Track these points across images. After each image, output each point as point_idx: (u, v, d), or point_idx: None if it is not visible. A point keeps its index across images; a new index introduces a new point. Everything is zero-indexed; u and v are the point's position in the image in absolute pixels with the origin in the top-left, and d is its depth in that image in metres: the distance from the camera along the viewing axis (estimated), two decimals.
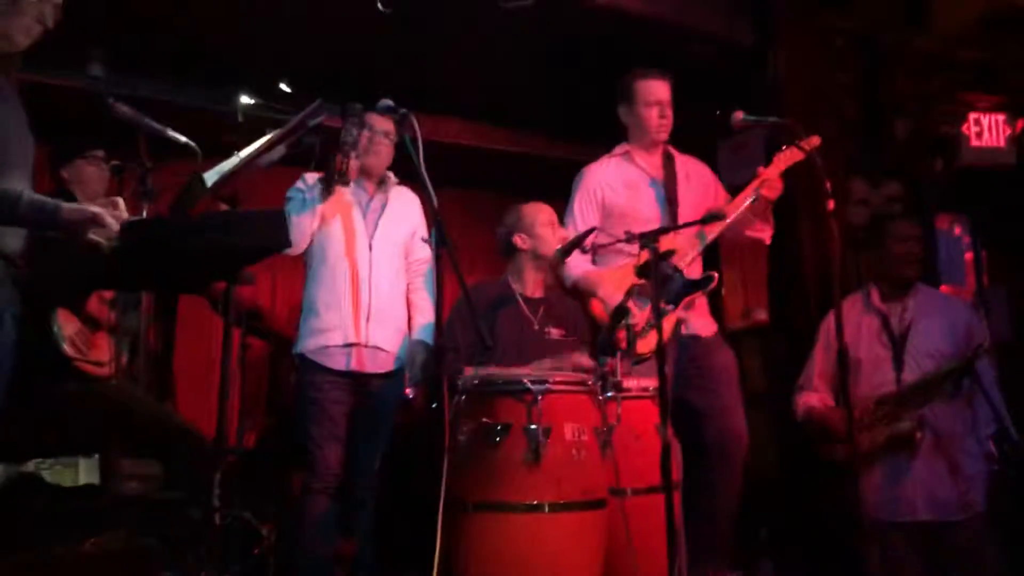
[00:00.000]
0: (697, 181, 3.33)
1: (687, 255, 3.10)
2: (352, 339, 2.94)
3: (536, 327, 3.18)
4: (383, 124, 3.12)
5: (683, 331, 3.09)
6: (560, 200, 3.34)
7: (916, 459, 3.05)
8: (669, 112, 3.22)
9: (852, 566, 2.91)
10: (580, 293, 3.12)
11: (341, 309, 2.95)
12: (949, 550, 3.05)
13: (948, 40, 4.23)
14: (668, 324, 2.97)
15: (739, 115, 2.99)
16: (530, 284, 3.25)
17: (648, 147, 3.30)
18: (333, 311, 2.96)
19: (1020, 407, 3.20)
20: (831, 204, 2.83)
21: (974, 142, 4.25)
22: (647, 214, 3.15)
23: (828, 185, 2.83)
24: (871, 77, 4.35)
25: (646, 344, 2.93)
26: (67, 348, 2.71)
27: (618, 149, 3.36)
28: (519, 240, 3.26)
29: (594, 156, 3.36)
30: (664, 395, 2.36)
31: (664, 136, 3.24)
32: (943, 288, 4.33)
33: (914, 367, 3.14)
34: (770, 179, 3.07)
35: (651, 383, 2.64)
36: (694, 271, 3.14)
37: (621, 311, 2.68)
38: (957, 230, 4.68)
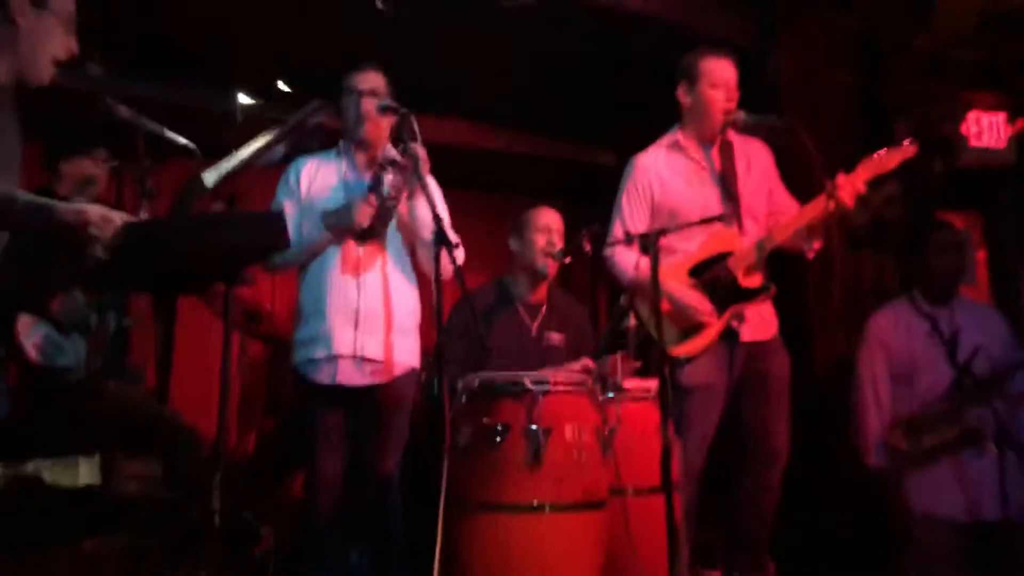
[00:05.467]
0: (758, 171, 3.10)
1: (745, 260, 2.92)
2: (335, 351, 2.71)
3: (534, 333, 3.16)
4: (369, 82, 2.81)
5: (739, 339, 2.93)
6: (560, 200, 3.33)
7: (982, 456, 3.04)
8: (736, 95, 2.98)
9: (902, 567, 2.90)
10: (638, 290, 2.92)
11: (325, 316, 2.73)
12: (1009, 551, 3.02)
13: (948, 40, 4.22)
14: (714, 331, 2.88)
15: (740, 114, 2.99)
16: (528, 288, 3.23)
17: (705, 134, 3.04)
18: (317, 319, 2.74)
19: None
20: (831, 205, 2.83)
21: (974, 142, 4.25)
22: (703, 211, 2.89)
23: (828, 185, 2.83)
24: (871, 77, 4.35)
25: (686, 348, 2.88)
26: (33, 355, 2.66)
27: (667, 137, 3.11)
28: (512, 244, 3.25)
29: (595, 156, 3.34)
30: (665, 396, 2.36)
31: (726, 119, 2.98)
32: None
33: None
34: (851, 187, 2.81)
35: (652, 384, 2.64)
36: (753, 279, 2.94)
37: (621, 312, 2.67)
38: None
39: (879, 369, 3.29)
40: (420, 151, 2.60)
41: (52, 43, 2.07)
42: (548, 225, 3.20)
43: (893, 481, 3.15)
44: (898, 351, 3.27)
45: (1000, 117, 4.30)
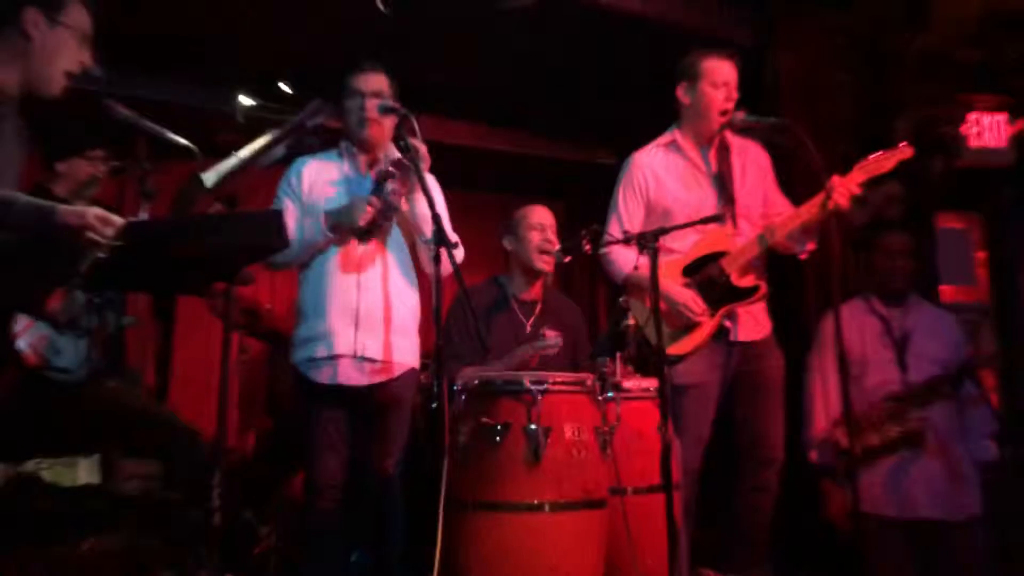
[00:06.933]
0: (754, 172, 3.10)
1: (739, 259, 2.93)
2: (335, 351, 2.70)
3: (529, 331, 3.17)
4: (372, 83, 2.82)
5: (731, 338, 2.95)
6: (560, 200, 3.33)
7: (921, 457, 3.11)
8: (735, 96, 2.98)
9: (848, 566, 2.93)
10: (632, 289, 2.95)
11: (326, 316, 2.71)
12: (947, 550, 3.10)
13: (948, 40, 4.23)
14: (707, 330, 2.91)
15: (739, 115, 2.99)
16: (523, 286, 3.24)
17: (703, 134, 3.04)
18: (317, 318, 2.73)
19: None
20: (830, 204, 2.83)
21: (974, 142, 4.26)
22: (696, 212, 2.89)
23: (828, 185, 2.83)
24: (871, 77, 4.35)
25: (679, 347, 2.89)
26: (30, 356, 2.66)
27: (664, 136, 3.12)
28: (506, 244, 3.26)
29: (594, 156, 3.34)
30: (664, 395, 2.36)
31: (725, 120, 2.98)
32: (944, 288, 4.36)
33: (917, 369, 3.21)
34: (845, 189, 2.80)
35: (651, 383, 2.64)
36: (746, 279, 2.95)
37: (621, 312, 2.67)
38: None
39: (829, 367, 3.28)
40: (421, 148, 2.61)
41: (65, 57, 2.09)
42: (542, 222, 3.21)
43: (836, 478, 3.17)
44: (849, 349, 3.27)
45: (1000, 117, 4.30)
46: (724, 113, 2.97)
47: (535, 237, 3.18)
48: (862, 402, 3.15)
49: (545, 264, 3.18)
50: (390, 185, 2.71)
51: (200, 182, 2.21)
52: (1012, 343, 4.24)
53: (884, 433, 3.13)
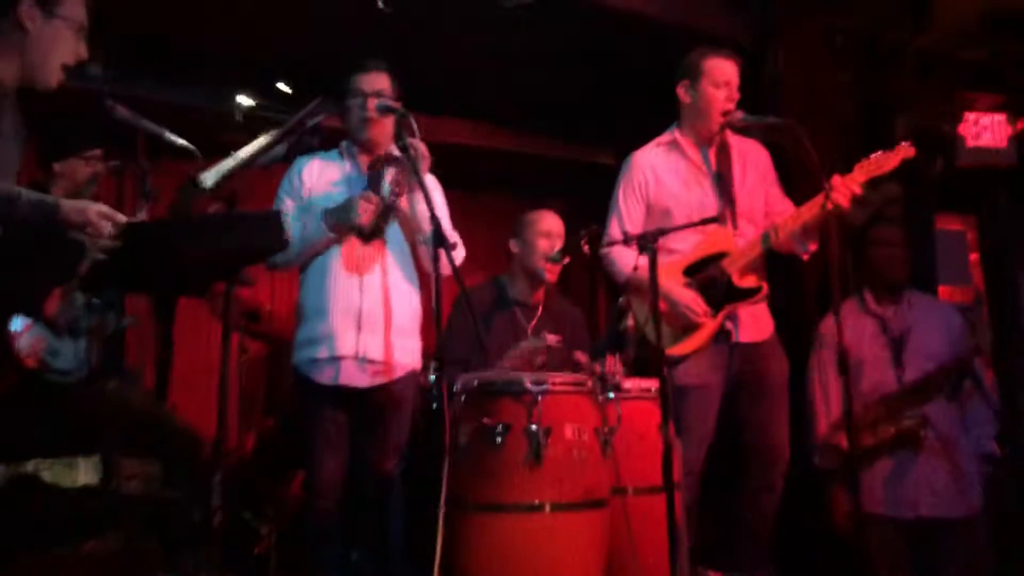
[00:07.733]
0: (754, 172, 3.08)
1: (741, 260, 2.92)
2: (338, 352, 2.69)
3: (530, 333, 3.16)
4: (374, 83, 2.82)
5: (732, 339, 2.94)
6: (561, 200, 3.33)
7: (919, 456, 3.10)
8: (736, 96, 2.96)
9: (850, 567, 2.93)
10: (633, 290, 2.94)
11: (328, 316, 2.71)
12: (947, 548, 3.10)
13: (948, 40, 4.23)
14: (708, 331, 2.90)
15: (738, 115, 2.99)
16: (525, 289, 3.23)
17: (703, 133, 3.02)
18: (319, 319, 2.72)
19: None
20: (829, 205, 2.83)
21: (973, 142, 4.26)
22: (697, 212, 2.90)
23: (827, 185, 2.83)
24: (871, 77, 4.35)
25: (680, 348, 2.88)
26: (27, 359, 2.66)
27: (664, 135, 3.10)
28: (512, 245, 3.26)
29: (594, 156, 3.34)
30: (665, 395, 2.36)
31: (725, 120, 2.95)
32: (942, 288, 4.35)
33: (914, 368, 3.19)
34: (846, 189, 2.78)
35: (652, 384, 2.64)
36: (747, 279, 2.94)
37: (620, 312, 2.67)
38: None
39: (829, 370, 3.26)
40: (420, 146, 2.60)
41: (61, 49, 2.09)
42: (551, 230, 3.20)
43: (838, 481, 3.16)
44: (847, 351, 3.27)
45: (1000, 117, 4.30)
46: (725, 113, 2.96)
47: (542, 244, 3.17)
48: (858, 404, 3.15)
49: (549, 273, 3.17)
50: (388, 181, 2.70)
51: (199, 183, 2.21)
52: (1008, 344, 4.24)
53: (879, 434, 3.11)
